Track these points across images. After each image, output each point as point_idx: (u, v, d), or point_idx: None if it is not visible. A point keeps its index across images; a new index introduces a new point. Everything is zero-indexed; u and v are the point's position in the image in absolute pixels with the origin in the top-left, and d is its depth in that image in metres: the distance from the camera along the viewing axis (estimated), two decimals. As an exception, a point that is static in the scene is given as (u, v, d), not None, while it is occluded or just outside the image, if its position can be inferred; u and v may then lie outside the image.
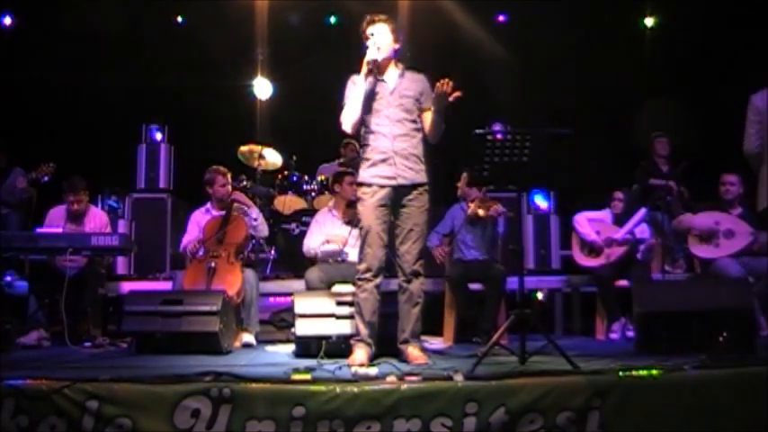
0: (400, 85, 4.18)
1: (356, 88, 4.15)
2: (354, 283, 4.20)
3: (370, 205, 4.10)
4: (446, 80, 3.95)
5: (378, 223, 4.08)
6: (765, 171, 4.51)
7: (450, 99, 3.97)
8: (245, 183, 6.89)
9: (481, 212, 5.51)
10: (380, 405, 3.12)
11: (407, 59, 4.32)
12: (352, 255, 5.44)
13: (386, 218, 4.12)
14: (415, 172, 4.14)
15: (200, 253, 5.47)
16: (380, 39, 4.14)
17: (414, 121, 4.17)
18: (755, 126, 4.51)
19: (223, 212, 5.69)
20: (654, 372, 3.31)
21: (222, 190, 5.74)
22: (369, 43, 4.13)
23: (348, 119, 4.15)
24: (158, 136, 7.76)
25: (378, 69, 4.13)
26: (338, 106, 4.22)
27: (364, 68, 4.09)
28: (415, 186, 4.14)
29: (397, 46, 4.22)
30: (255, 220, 5.71)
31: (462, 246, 5.72)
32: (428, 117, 4.19)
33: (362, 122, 4.16)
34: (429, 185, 4.21)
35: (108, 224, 5.93)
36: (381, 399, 3.13)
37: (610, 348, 4.81)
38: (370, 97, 4.13)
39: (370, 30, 4.16)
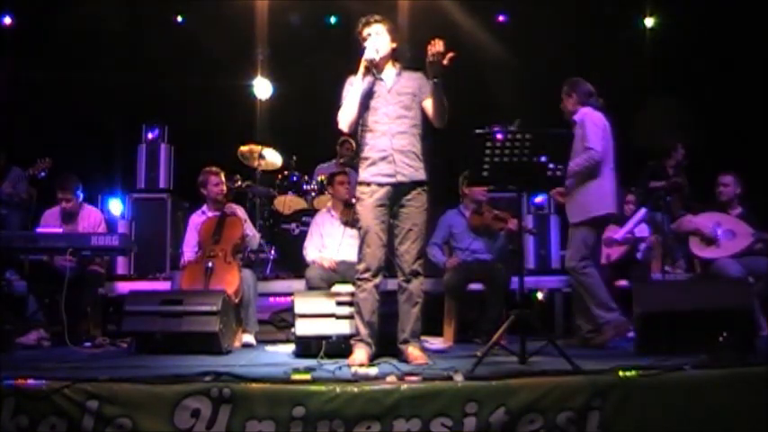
0: (397, 83, 4.18)
1: (353, 88, 4.14)
2: (354, 283, 4.20)
3: (368, 205, 4.10)
4: (435, 40, 3.83)
5: (376, 223, 4.08)
6: (593, 185, 4.80)
7: (445, 62, 3.85)
8: (239, 183, 6.89)
9: (499, 226, 5.55)
10: (380, 405, 3.12)
11: (407, 59, 4.31)
12: (351, 255, 5.45)
13: (384, 217, 4.11)
14: (414, 169, 4.13)
15: (198, 253, 5.48)
16: (378, 40, 4.13)
17: (412, 119, 4.17)
18: (604, 142, 4.84)
19: (219, 213, 5.69)
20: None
21: (216, 189, 5.75)
22: (367, 44, 4.13)
23: (345, 118, 4.15)
24: (158, 136, 7.76)
25: (375, 68, 4.13)
26: (336, 107, 4.22)
27: (362, 67, 4.09)
28: (414, 185, 4.14)
29: (393, 45, 4.22)
30: (249, 231, 5.72)
31: (465, 253, 5.72)
32: (430, 104, 4.17)
33: (360, 121, 4.16)
34: (428, 185, 4.20)
35: (102, 222, 5.92)
36: (381, 399, 3.13)
37: (610, 348, 4.80)
38: (368, 96, 4.13)
39: (366, 31, 4.16)
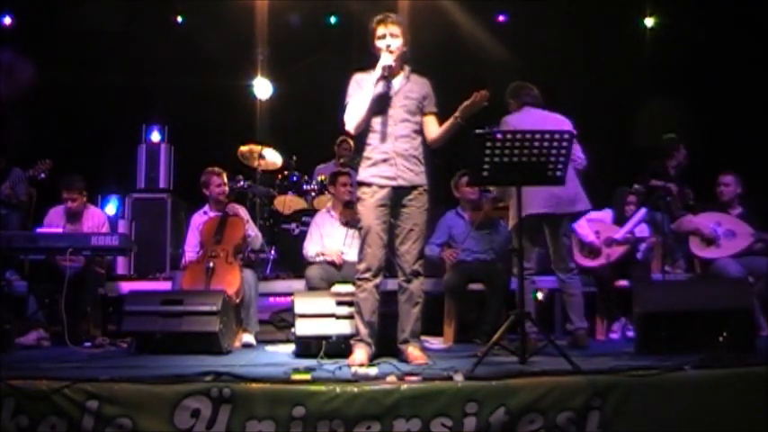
0: (405, 86, 4.16)
1: (361, 90, 4.09)
2: (354, 283, 4.20)
3: (369, 205, 4.09)
4: (483, 92, 3.92)
5: (377, 223, 4.07)
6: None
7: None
8: (242, 183, 6.89)
9: (500, 214, 5.54)
10: (380, 405, 3.12)
11: (408, 60, 4.28)
12: (351, 255, 5.46)
13: (386, 217, 4.10)
14: (414, 173, 4.12)
15: (199, 253, 5.48)
16: (394, 41, 4.09)
17: (416, 123, 4.16)
18: None
19: (221, 213, 5.69)
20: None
21: (218, 190, 5.75)
22: (380, 44, 4.08)
23: (353, 120, 4.11)
24: (158, 136, 7.77)
25: (391, 74, 4.09)
26: (341, 106, 4.20)
27: (378, 72, 4.04)
28: (414, 187, 4.13)
29: (404, 48, 4.17)
30: (252, 231, 5.71)
31: (465, 253, 5.72)
32: (431, 121, 4.18)
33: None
34: (429, 186, 4.19)
35: (106, 223, 5.93)
36: (381, 399, 3.13)
37: (610, 348, 4.80)
38: (378, 100, 4.09)
39: (381, 30, 4.11)
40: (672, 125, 7.09)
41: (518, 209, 4.00)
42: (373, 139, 4.13)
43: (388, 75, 4.08)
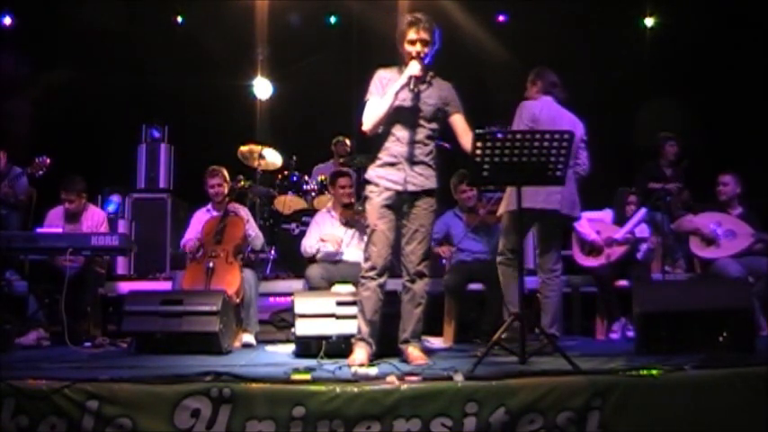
0: (424, 92, 4.10)
1: (383, 90, 4.04)
2: (357, 282, 4.18)
3: (376, 204, 4.07)
4: None
5: (383, 222, 4.05)
6: None
7: None
8: (242, 183, 6.89)
9: (494, 219, 5.54)
10: (380, 405, 3.12)
11: (432, 65, 4.21)
12: (351, 255, 5.46)
13: (392, 216, 4.08)
14: (425, 177, 4.10)
15: (199, 253, 5.48)
16: (424, 48, 4.03)
17: (430, 129, 4.12)
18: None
19: (221, 213, 5.69)
20: (654, 371, 3.31)
21: (212, 191, 5.75)
22: (410, 48, 4.03)
23: (371, 120, 4.06)
24: (158, 136, 7.77)
25: (416, 84, 4.03)
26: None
27: (403, 80, 3.99)
28: (424, 190, 4.11)
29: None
30: (252, 231, 5.71)
31: (465, 254, 5.73)
32: (458, 120, 4.16)
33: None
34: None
35: (104, 222, 5.92)
36: (381, 399, 3.12)
37: (610, 348, 4.80)
38: (397, 106, 4.04)
39: (412, 34, 4.04)
40: (672, 125, 7.10)
41: (518, 208, 3.99)
42: (385, 140, 4.10)
43: (413, 86, 4.02)
